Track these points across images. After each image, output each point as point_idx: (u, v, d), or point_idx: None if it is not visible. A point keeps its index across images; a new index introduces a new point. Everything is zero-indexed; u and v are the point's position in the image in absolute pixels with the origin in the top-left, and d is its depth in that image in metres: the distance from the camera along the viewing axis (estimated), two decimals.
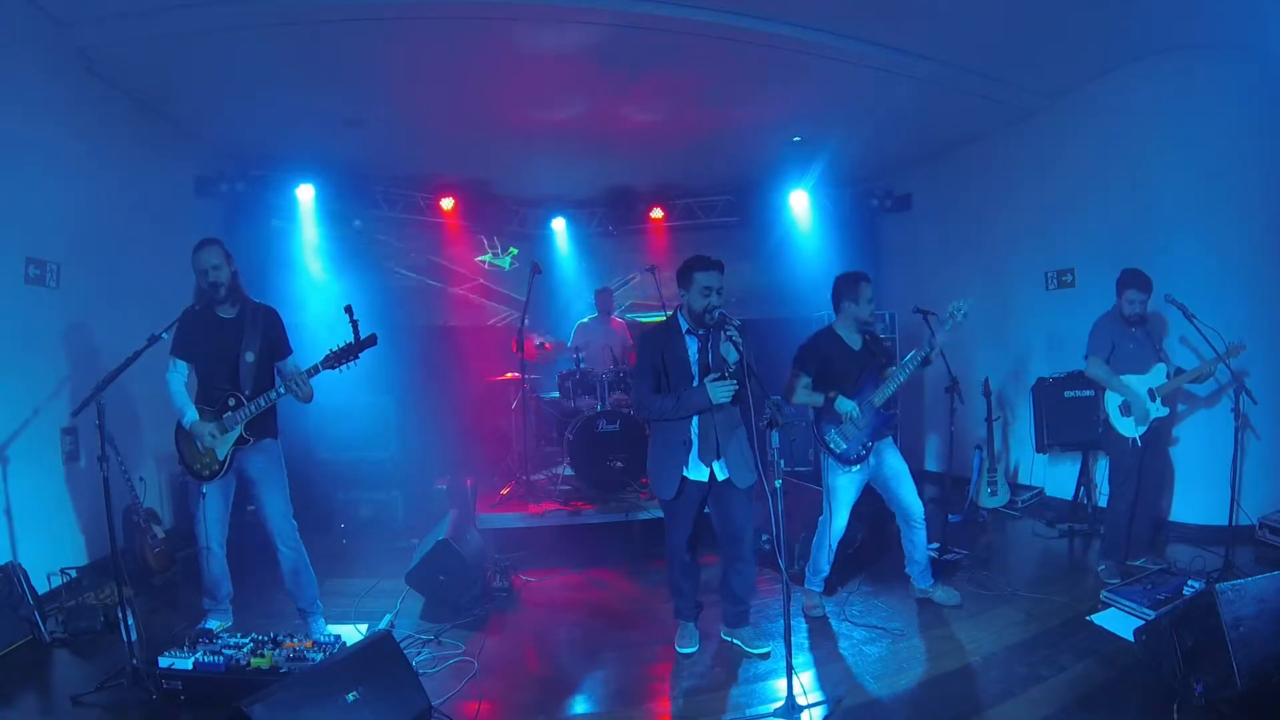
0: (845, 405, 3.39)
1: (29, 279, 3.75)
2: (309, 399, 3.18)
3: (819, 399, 3.45)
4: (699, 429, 3.02)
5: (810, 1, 4.01)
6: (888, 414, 3.53)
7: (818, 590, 3.68)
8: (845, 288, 3.53)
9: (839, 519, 3.52)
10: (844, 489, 3.50)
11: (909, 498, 3.54)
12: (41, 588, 3.54)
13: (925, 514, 3.58)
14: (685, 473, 3.04)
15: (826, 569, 3.63)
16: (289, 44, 4.13)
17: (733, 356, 2.85)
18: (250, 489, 3.29)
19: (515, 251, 7.88)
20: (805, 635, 3.34)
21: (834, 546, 3.57)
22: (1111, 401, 3.96)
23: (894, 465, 3.54)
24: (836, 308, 3.59)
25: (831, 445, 3.45)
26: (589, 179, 7.35)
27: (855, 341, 3.55)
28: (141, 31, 3.94)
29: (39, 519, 3.73)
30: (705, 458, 3.02)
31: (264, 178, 6.04)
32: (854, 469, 3.45)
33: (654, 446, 3.18)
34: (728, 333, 2.82)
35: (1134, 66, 4.69)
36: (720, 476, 3.03)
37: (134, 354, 2.93)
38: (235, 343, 3.20)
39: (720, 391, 2.87)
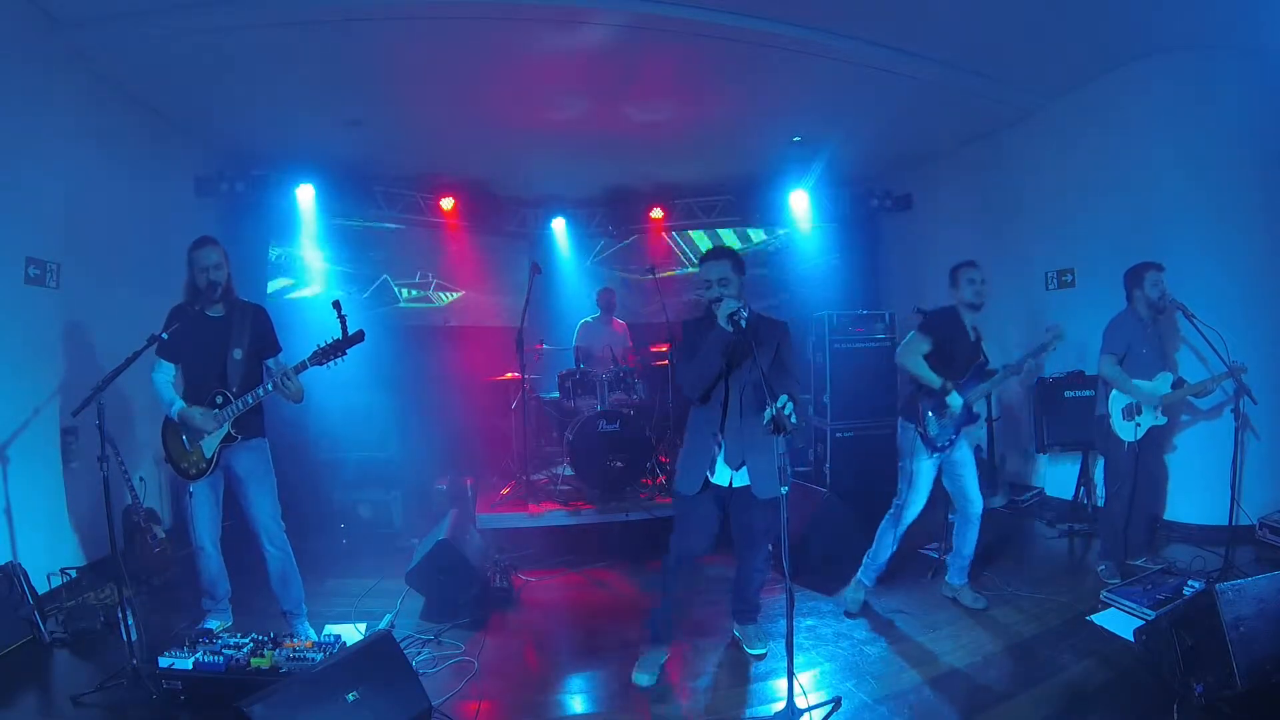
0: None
1: (29, 279, 3.75)
2: (299, 398, 3.10)
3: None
4: (728, 430, 2.91)
5: (810, 1, 4.01)
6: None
7: (869, 585, 3.65)
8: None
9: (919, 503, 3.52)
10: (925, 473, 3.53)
11: (974, 490, 3.54)
12: (41, 588, 3.54)
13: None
14: (709, 474, 2.93)
15: (886, 560, 3.62)
16: (289, 44, 4.13)
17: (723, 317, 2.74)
18: (238, 487, 3.27)
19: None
20: (805, 635, 3.34)
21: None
22: (1116, 403, 3.93)
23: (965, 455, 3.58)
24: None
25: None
26: (589, 179, 7.34)
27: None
28: (142, 31, 3.94)
29: (39, 519, 3.73)
30: (731, 461, 2.92)
31: (264, 178, 6.04)
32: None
33: (686, 441, 3.07)
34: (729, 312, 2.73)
35: (1134, 66, 4.68)
36: (739, 484, 2.94)
37: (134, 354, 2.92)
38: (223, 341, 3.18)
39: (724, 309, 2.73)
